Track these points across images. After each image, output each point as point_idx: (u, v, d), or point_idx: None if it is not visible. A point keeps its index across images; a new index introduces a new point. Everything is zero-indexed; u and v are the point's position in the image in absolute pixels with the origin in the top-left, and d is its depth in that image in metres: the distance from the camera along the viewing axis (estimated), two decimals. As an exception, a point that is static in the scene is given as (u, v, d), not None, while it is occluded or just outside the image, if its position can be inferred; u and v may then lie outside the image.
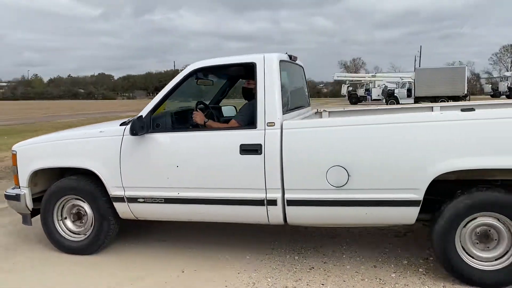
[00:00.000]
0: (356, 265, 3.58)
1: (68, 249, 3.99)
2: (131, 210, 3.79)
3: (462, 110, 3.33)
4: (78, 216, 4.01)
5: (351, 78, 47.99)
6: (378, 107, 5.35)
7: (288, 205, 3.37)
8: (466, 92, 30.27)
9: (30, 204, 4.06)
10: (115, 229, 3.98)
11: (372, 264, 3.59)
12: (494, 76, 64.01)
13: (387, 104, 32.52)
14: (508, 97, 38.54)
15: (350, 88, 46.65)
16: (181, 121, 4.05)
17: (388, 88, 36.86)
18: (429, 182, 3.04)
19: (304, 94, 4.79)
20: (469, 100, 28.59)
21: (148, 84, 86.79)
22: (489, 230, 3.08)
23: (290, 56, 4.00)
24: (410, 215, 3.17)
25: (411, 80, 32.91)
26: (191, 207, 3.61)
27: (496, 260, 3.08)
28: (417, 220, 3.22)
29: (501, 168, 2.98)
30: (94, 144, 3.83)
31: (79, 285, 3.36)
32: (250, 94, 3.96)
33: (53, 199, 3.99)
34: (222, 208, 3.54)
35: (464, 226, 3.10)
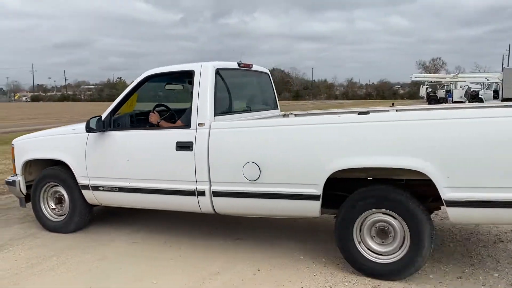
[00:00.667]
0: (440, 275, 3.38)
1: (52, 227, 4.75)
2: (95, 197, 4.47)
3: (359, 113, 3.56)
4: (59, 200, 4.77)
5: (430, 79, 45.59)
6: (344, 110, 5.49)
7: (214, 196, 3.81)
8: None
9: (23, 189, 4.91)
10: (87, 213, 4.70)
11: (457, 275, 3.37)
12: None
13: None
14: None
15: (429, 90, 44.39)
16: (140, 122, 4.67)
17: (472, 90, 34.54)
18: (325, 178, 3.32)
19: (269, 98, 5.29)
20: None
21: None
22: (386, 227, 3.29)
23: (239, 64, 4.47)
24: (313, 208, 3.45)
25: (498, 81, 30.55)
26: (139, 196, 4.19)
27: (390, 254, 3.30)
28: (325, 214, 3.57)
29: (376, 167, 3.22)
30: (67, 140, 4.62)
31: (158, 279, 3.51)
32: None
33: (39, 185, 4.79)
34: (163, 197, 4.08)
35: (363, 221, 3.35)
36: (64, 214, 4.72)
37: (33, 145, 4.83)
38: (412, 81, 48.82)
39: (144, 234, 4.60)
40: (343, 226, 3.38)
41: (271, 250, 4.02)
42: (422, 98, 45.38)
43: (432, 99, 40.62)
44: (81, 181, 4.47)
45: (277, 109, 5.35)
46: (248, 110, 4.82)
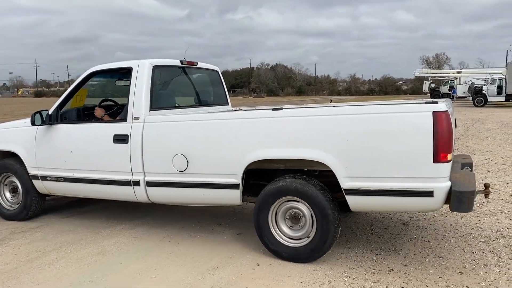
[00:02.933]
0: (440, 270, 3.36)
1: (7, 216, 5.01)
2: (44, 187, 4.73)
3: (273, 109, 3.76)
4: (14, 190, 5.02)
5: (433, 74, 45.30)
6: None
7: (148, 185, 4.06)
8: None
9: None
10: (39, 202, 4.93)
11: (458, 271, 3.35)
12: None
13: (473, 101, 30.38)
14: None
15: (433, 85, 44.14)
16: (86, 116, 4.90)
17: (475, 85, 34.28)
18: (243, 168, 3.60)
19: (218, 94, 5.54)
20: None
21: (225, 81, 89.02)
22: (300, 215, 3.55)
23: (181, 62, 4.69)
24: (234, 196, 3.72)
25: (502, 76, 30.27)
26: (82, 185, 4.44)
27: (300, 239, 3.56)
28: (247, 201, 3.87)
29: (283, 158, 3.50)
30: (19, 132, 4.87)
31: (157, 273, 3.51)
32: None
33: None
34: (102, 187, 4.31)
35: (278, 208, 3.62)
36: (19, 203, 4.97)
37: None
38: (416, 76, 48.44)
39: (144, 229, 4.59)
40: (260, 212, 3.64)
41: (271, 245, 4.00)
42: (426, 93, 45.16)
43: (436, 95, 40.37)
44: (31, 171, 4.74)
45: (228, 104, 5.60)
46: (193, 105, 5.08)
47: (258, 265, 3.57)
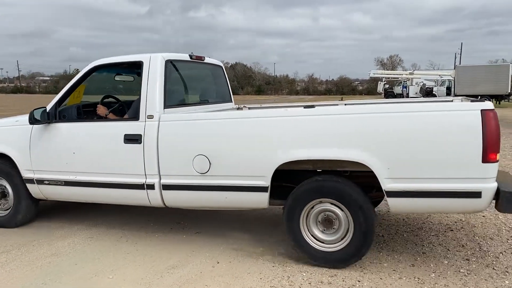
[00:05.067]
0: (394, 263, 3.50)
1: None
2: (40, 191, 4.31)
3: (305, 107, 3.57)
4: (3, 195, 4.57)
5: (387, 75, 46.83)
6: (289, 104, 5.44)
7: (163, 189, 3.76)
8: (510, 91, 28.97)
9: None
10: (33, 208, 4.54)
11: (410, 263, 3.50)
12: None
13: (425, 102, 31.66)
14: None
15: (387, 86, 45.58)
16: (87, 113, 4.50)
17: (426, 86, 35.81)
18: (273, 170, 3.38)
19: (223, 91, 5.26)
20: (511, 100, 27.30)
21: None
22: (333, 217, 3.39)
23: (190, 56, 4.37)
24: (262, 199, 3.50)
25: (451, 78, 31.78)
26: (86, 189, 4.07)
27: (335, 243, 3.40)
28: (272, 205, 3.61)
29: (320, 159, 3.30)
30: (10, 131, 4.44)
31: (114, 273, 3.44)
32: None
33: None
34: (110, 191, 3.98)
35: (309, 211, 3.44)
36: (9, 209, 4.55)
37: None
38: (371, 77, 49.92)
39: (100, 229, 4.48)
40: (290, 215, 3.45)
41: (230, 243, 4.02)
42: (380, 94, 46.64)
43: (390, 95, 41.78)
44: (25, 174, 4.32)
45: (231, 102, 5.35)
46: (201, 102, 4.79)
47: (218, 262, 3.58)
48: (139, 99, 3.88)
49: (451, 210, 3.37)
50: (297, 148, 3.31)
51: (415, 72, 44.38)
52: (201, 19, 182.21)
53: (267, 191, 3.45)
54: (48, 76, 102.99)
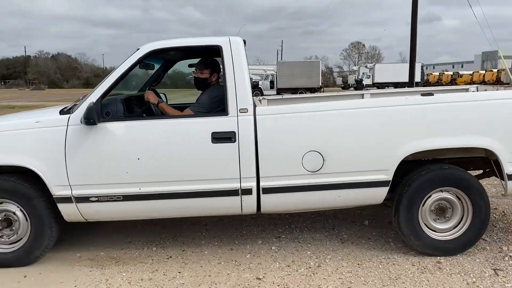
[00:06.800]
0: (214, 250, 3.64)
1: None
2: (80, 211, 3.33)
3: (422, 94, 3.51)
4: (9, 224, 3.36)
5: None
6: (324, 95, 5.64)
7: (263, 193, 3.32)
8: (321, 84, 33.01)
9: None
10: (56, 234, 3.45)
11: (229, 247, 3.69)
12: (345, 70, 71.04)
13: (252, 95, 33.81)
14: (355, 89, 43.07)
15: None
16: (133, 109, 3.78)
17: (253, 80, 38.29)
18: (397, 163, 3.27)
19: None
20: (323, 92, 31.18)
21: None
22: (447, 206, 3.42)
23: (244, 41, 3.75)
24: (380, 195, 3.37)
25: (274, 73, 34.69)
26: (154, 203, 3.31)
27: (450, 230, 3.44)
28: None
29: (451, 148, 3.30)
30: (30, 137, 3.26)
31: None
32: (203, 84, 3.81)
33: None
34: (189, 202, 3.33)
35: (425, 202, 3.40)
36: (17, 241, 3.39)
37: None
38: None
39: None
40: (410, 206, 3.34)
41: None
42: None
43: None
44: (58, 191, 3.24)
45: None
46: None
47: (25, 276, 3.21)
48: (210, 94, 3.59)
49: None
50: (424, 138, 3.23)
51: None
52: (18, 4, 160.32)
53: (388, 186, 3.30)
54: None
